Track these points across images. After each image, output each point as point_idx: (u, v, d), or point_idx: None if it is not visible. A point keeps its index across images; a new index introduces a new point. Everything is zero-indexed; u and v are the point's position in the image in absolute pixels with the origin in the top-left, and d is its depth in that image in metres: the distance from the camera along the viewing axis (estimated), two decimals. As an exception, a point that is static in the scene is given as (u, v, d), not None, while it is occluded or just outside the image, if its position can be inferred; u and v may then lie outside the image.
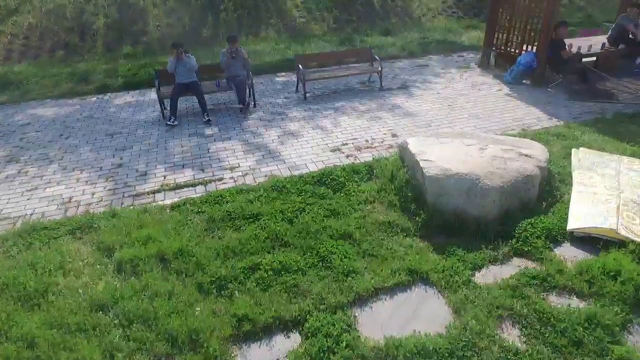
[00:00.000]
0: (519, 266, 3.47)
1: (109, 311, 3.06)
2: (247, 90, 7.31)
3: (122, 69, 9.68)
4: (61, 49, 11.11)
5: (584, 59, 8.08)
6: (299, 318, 2.99)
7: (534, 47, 8.08)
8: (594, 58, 8.41)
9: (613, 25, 8.69)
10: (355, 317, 3.02)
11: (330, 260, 3.53)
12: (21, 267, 3.53)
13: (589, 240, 3.63)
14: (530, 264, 3.47)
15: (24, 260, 3.62)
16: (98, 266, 3.55)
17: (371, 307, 3.12)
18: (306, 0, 13.76)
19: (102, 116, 7.41)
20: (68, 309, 3.08)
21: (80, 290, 3.26)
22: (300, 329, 2.94)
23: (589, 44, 8.28)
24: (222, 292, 3.25)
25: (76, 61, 10.58)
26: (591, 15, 14.63)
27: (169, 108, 6.86)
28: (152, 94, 8.22)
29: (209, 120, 6.84)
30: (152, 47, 11.52)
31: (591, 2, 15.96)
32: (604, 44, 8.30)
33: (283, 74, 9.64)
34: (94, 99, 8.42)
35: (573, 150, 5.11)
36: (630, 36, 8.36)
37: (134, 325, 2.92)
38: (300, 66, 7.80)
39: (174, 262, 3.53)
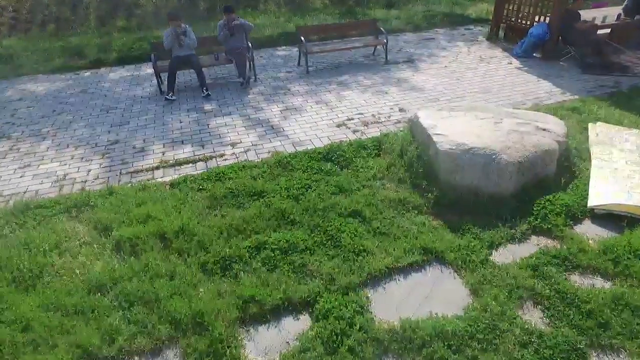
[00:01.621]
0: (538, 245, 3.30)
1: (108, 293, 2.91)
2: (248, 63, 7.00)
3: (117, 43, 9.29)
4: (52, 22, 10.66)
5: (599, 31, 7.75)
6: (309, 299, 2.83)
7: (546, 19, 7.74)
8: (609, 30, 8.06)
9: (629, -4, 8.30)
10: (368, 298, 2.87)
11: (340, 239, 3.36)
12: (15, 247, 3.35)
13: (611, 218, 3.46)
14: (550, 243, 3.30)
15: (18, 240, 3.44)
16: (95, 246, 3.37)
17: (384, 288, 2.96)
18: (306, -29, 13.17)
19: (96, 91, 7.12)
20: (64, 291, 2.92)
21: (77, 271, 3.09)
22: (311, 310, 2.79)
23: (603, 15, 7.93)
24: (227, 273, 3.08)
25: (68, 35, 10.17)
26: (601, -12, 14.09)
27: (166, 82, 6.56)
28: (149, 69, 7.89)
29: (208, 94, 6.56)
30: (147, 21, 11.07)
31: (602, -26, 15.37)
32: (619, 15, 7.95)
33: (284, 47, 9.28)
34: (88, 73, 8.09)
35: (590, 124, 4.90)
36: (647, 6, 7.99)
37: (135, 307, 2.77)
38: (302, 39, 7.46)
39: (175, 241, 3.35)
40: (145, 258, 3.16)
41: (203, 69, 6.74)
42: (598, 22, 7.65)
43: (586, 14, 7.90)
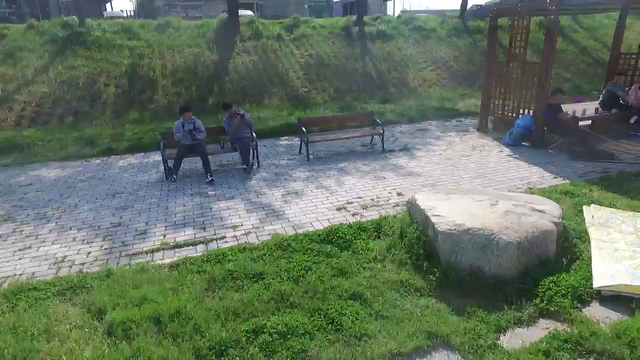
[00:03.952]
0: (547, 328, 3.17)
1: (94, 381, 2.72)
2: (252, 151, 7.37)
3: (129, 133, 9.88)
4: (71, 115, 11.45)
5: (580, 122, 8.30)
6: (308, 389, 2.65)
7: (530, 111, 8.34)
8: (589, 121, 8.64)
9: (604, 92, 9.07)
10: (371, 387, 2.68)
11: (341, 323, 3.23)
12: (1, 331, 3.21)
13: (619, 299, 3.37)
14: (559, 326, 3.18)
15: (6, 324, 3.31)
16: (86, 330, 3.23)
17: (389, 376, 2.78)
18: (308, 72, 14.53)
19: (104, 177, 7.39)
20: (48, 379, 2.74)
21: (65, 357, 2.93)
22: (310, 401, 2.58)
23: (583, 109, 8.57)
24: (222, 358, 2.92)
25: (84, 126, 10.85)
26: (578, 86, 15.38)
27: (171, 167, 6.87)
28: (156, 156, 8.28)
29: (212, 180, 6.80)
30: (159, 114, 11.90)
31: (576, 74, 16.90)
32: (597, 109, 8.60)
33: (285, 138, 9.84)
34: (98, 161, 8.47)
35: (584, 207, 5.01)
36: (621, 101, 8.69)
37: (121, 397, 2.57)
38: (304, 129, 7.95)
39: (170, 324, 3.22)
40: (137, 343, 3.01)
41: (209, 157, 7.08)
42: (578, 114, 8.23)
43: (566, 108, 8.53)
